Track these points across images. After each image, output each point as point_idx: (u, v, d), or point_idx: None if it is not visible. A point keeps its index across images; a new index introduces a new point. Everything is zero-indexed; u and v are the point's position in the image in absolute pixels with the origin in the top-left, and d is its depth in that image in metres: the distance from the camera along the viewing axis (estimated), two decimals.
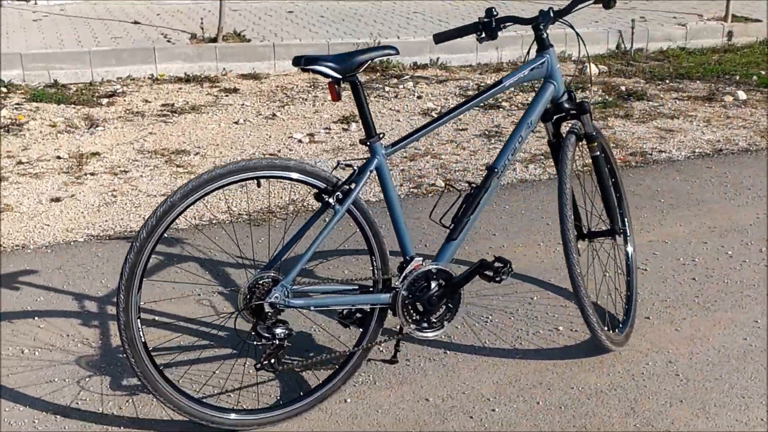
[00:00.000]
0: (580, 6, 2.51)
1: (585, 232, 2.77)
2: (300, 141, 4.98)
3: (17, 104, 5.43)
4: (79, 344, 2.73)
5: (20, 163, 4.42)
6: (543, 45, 2.56)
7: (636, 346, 2.77)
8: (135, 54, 6.39)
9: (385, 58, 6.89)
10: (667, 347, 2.78)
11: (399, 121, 5.48)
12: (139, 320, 2.07)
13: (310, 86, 6.31)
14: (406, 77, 6.76)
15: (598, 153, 2.67)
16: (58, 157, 4.49)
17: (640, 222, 3.78)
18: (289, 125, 5.29)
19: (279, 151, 4.77)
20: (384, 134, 2.37)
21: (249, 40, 6.96)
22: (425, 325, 2.39)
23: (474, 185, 2.49)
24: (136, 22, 7.47)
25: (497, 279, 2.39)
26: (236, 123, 5.31)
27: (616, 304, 2.88)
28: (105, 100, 5.64)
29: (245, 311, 2.15)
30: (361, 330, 2.33)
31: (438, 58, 7.37)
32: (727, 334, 2.86)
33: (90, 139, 4.84)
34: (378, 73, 6.79)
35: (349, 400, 2.46)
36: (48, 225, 3.69)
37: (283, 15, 8.31)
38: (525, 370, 2.62)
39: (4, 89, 5.76)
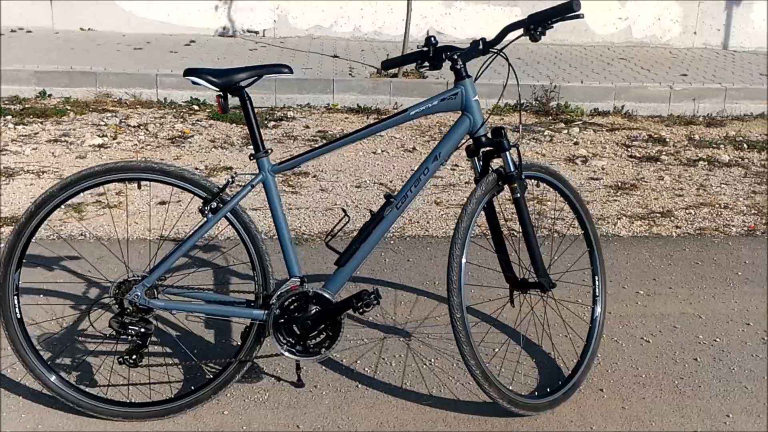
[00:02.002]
0: (510, 38, 2.41)
1: (519, 280, 2.59)
2: None
3: (197, 120, 6.14)
4: None
5: None
6: (459, 76, 2.46)
7: (561, 415, 2.55)
8: (316, 84, 6.90)
9: (547, 99, 6.74)
10: (595, 422, 2.52)
11: None
12: (16, 297, 2.34)
13: None
14: (578, 122, 6.53)
15: (519, 195, 2.48)
16: (196, 168, 5.02)
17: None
18: (420, 158, 5.40)
19: (391, 181, 4.90)
20: (271, 150, 2.44)
21: (426, 77, 7.18)
22: (300, 348, 2.38)
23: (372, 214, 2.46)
24: (335, 56, 8.05)
25: (360, 311, 2.36)
26: (374, 153, 5.54)
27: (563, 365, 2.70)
28: (272, 123, 6.18)
29: (115, 305, 2.32)
30: (239, 343, 2.40)
31: (623, 106, 7.02)
32: (679, 423, 2.53)
33: (235, 155, 5.34)
34: (550, 117, 6.64)
35: (226, 413, 2.51)
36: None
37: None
38: (419, 418, 2.53)
39: (195, 106, 6.55)
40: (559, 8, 2.35)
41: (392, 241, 3.96)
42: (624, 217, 4.36)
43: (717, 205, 4.59)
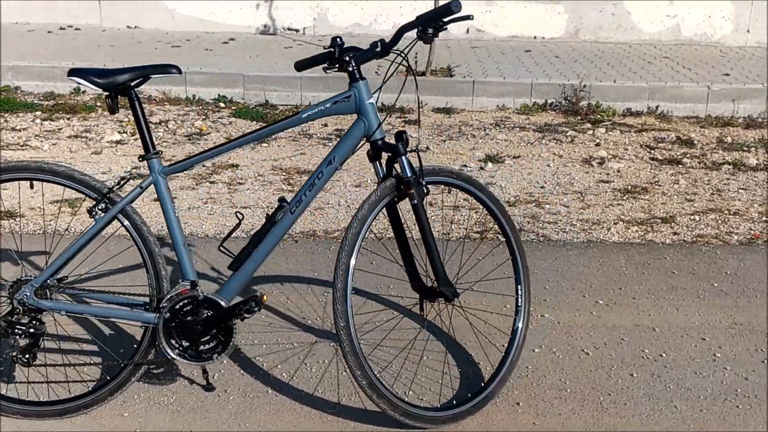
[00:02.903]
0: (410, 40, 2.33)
1: (426, 288, 2.48)
2: None
3: (218, 118, 6.22)
4: None
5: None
6: (352, 78, 2.38)
7: (465, 427, 2.46)
8: (340, 82, 6.88)
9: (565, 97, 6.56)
10: None
11: (544, 169, 5.20)
12: None
13: (494, 124, 6.25)
14: (606, 123, 6.34)
15: (416, 202, 2.39)
16: (203, 166, 5.08)
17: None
18: (431, 159, 5.33)
19: None
20: (162, 152, 2.41)
21: (453, 75, 7.09)
22: (191, 353, 2.35)
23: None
24: None
25: (241, 317, 2.32)
26: None
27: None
28: None
29: (9, 304, 2.35)
30: (135, 345, 2.39)
31: (657, 106, 6.78)
32: None
33: (246, 153, 5.38)
34: (579, 117, 6.47)
35: (126, 414, 2.51)
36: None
37: (517, 55, 8.28)
38: (319, 427, 2.47)
39: (221, 104, 6.64)
40: (439, 9, 2.28)
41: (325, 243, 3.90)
42: (621, 222, 4.20)
43: (726, 212, 4.37)
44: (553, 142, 5.80)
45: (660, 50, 8.50)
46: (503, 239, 2.54)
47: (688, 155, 5.47)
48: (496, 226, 2.61)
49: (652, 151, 5.57)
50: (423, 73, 7.06)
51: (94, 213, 2.35)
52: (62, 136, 5.61)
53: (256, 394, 2.65)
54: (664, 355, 2.92)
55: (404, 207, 2.50)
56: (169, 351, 2.35)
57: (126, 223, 2.39)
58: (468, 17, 2.33)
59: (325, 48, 2.44)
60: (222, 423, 2.50)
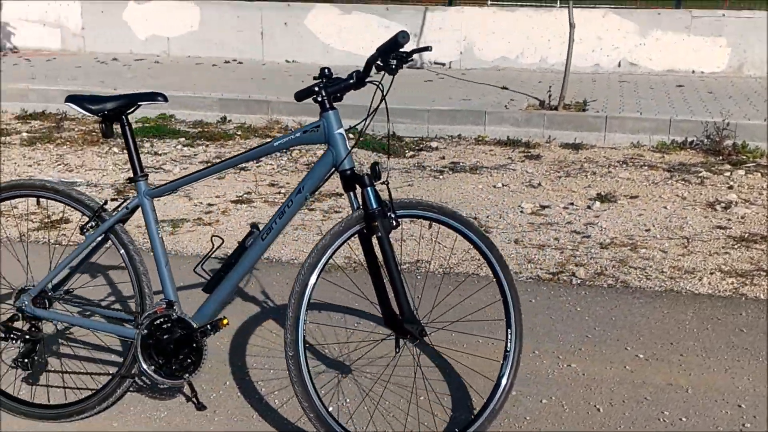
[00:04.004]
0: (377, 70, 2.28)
1: (397, 321, 2.35)
2: (521, 211, 4.85)
3: None
4: None
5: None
6: (322, 108, 2.32)
7: None
8: (467, 115, 6.88)
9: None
10: None
11: (658, 211, 4.87)
12: None
13: (621, 162, 5.95)
14: (749, 165, 5.83)
15: (380, 234, 2.28)
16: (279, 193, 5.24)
17: None
18: (539, 195, 5.17)
19: (488, 217, 4.75)
20: (147, 175, 2.51)
21: (586, 110, 6.84)
22: (165, 371, 2.40)
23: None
24: (504, 88, 7.94)
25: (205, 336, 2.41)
26: (494, 186, 5.40)
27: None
28: (410, 153, 6.27)
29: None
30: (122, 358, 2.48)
31: None
32: None
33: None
34: (720, 157, 6.01)
35: (115, 424, 2.59)
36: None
37: (667, 90, 7.83)
38: None
39: (350, 134, 6.82)
40: (390, 42, 2.22)
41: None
42: (719, 273, 3.82)
43: None
44: (680, 182, 5.42)
45: None
46: (493, 279, 2.41)
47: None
48: (487, 266, 2.46)
49: None
50: (555, 108, 6.88)
51: (85, 230, 2.52)
52: (195, 162, 6.03)
53: (241, 417, 2.67)
54: (683, 419, 2.62)
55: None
56: (145, 367, 2.44)
57: (114, 240, 2.53)
58: (426, 48, 2.31)
59: (314, 78, 2.44)
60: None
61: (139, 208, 2.51)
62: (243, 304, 3.56)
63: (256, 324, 3.37)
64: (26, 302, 2.57)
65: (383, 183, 2.34)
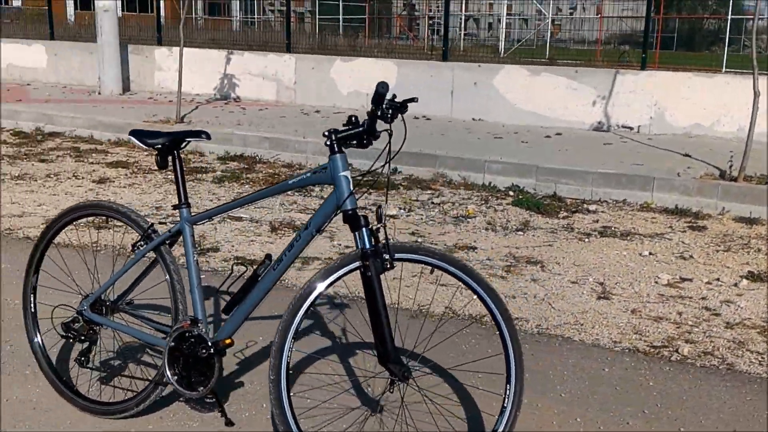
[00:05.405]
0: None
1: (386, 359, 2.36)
2: (656, 282, 4.57)
3: (497, 204, 6.42)
4: None
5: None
6: (331, 151, 2.37)
7: None
8: (634, 180, 6.60)
9: None
10: None
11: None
12: (32, 295, 3.00)
13: None
14: None
15: (369, 274, 2.27)
16: (455, 245, 5.33)
17: None
18: (685, 268, 4.84)
19: (616, 283, 4.52)
20: (190, 204, 2.75)
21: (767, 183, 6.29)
22: (185, 383, 2.57)
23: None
24: (686, 155, 7.52)
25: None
26: (640, 254, 5.14)
27: None
28: (564, 214, 6.14)
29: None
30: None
31: None
32: None
33: (496, 236, 5.48)
34: None
35: (150, 427, 2.76)
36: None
37: None
38: None
39: (511, 192, 6.84)
40: (374, 94, 2.31)
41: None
42: None
43: None
44: None
45: None
46: (496, 332, 2.33)
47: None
48: (489, 317, 2.39)
49: None
50: (735, 179, 6.40)
51: (136, 247, 2.80)
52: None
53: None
54: None
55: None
56: (169, 375, 2.65)
57: (159, 260, 2.78)
58: (413, 100, 2.38)
59: (343, 124, 2.56)
60: None
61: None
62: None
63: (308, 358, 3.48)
64: (85, 307, 2.91)
65: (381, 225, 2.40)
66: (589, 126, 9.27)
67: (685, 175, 6.59)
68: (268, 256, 2.63)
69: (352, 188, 2.42)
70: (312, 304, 2.44)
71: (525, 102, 9.64)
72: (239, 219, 5.88)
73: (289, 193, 6.70)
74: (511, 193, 6.85)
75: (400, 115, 2.41)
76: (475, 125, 9.59)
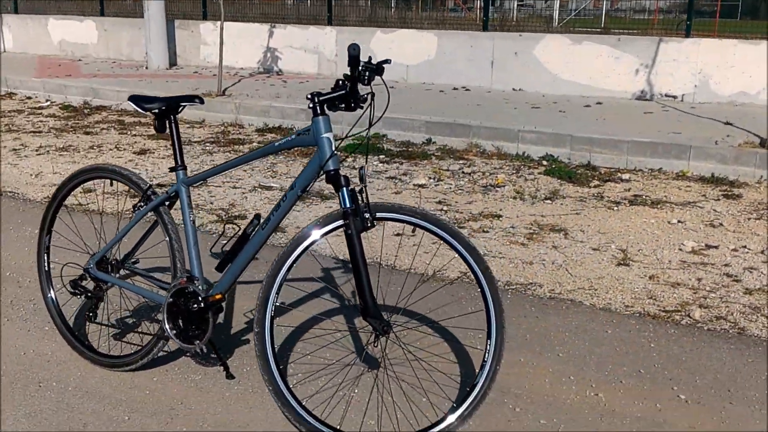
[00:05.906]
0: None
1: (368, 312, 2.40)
2: (680, 249, 4.49)
3: (528, 174, 6.38)
4: None
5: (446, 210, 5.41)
6: (314, 113, 2.41)
7: None
8: (670, 149, 6.47)
9: None
10: None
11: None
12: (45, 254, 3.13)
13: None
14: None
15: (350, 232, 2.32)
16: (480, 213, 5.32)
17: None
18: (713, 235, 4.75)
19: (639, 250, 4.46)
20: (186, 167, 2.79)
21: None
22: (183, 336, 2.66)
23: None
24: (728, 123, 7.31)
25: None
26: (669, 222, 5.06)
27: None
28: (595, 183, 6.06)
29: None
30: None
31: None
32: None
33: (516, 205, 5.45)
34: None
35: (155, 379, 2.90)
36: None
37: None
38: None
39: (545, 161, 6.77)
40: (349, 58, 2.38)
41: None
42: None
43: None
44: None
45: None
46: (478, 290, 2.33)
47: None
48: (472, 275, 2.39)
49: None
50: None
51: (136, 208, 2.89)
52: (382, 177, 6.38)
53: (257, 390, 2.87)
54: None
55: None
56: (168, 330, 2.75)
57: (159, 220, 2.86)
58: (387, 61, 2.43)
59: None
60: (218, 403, 2.82)
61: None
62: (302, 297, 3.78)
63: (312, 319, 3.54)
64: (92, 264, 3.02)
65: (364, 186, 2.43)
66: (631, 95, 9.08)
67: (723, 144, 6.43)
68: (257, 216, 2.69)
69: (334, 149, 2.46)
70: (295, 261, 2.49)
71: (566, 71, 9.48)
72: (269, 188, 5.98)
73: None
74: (544, 162, 6.79)
75: (380, 79, 2.45)
76: (514, 95, 9.49)
